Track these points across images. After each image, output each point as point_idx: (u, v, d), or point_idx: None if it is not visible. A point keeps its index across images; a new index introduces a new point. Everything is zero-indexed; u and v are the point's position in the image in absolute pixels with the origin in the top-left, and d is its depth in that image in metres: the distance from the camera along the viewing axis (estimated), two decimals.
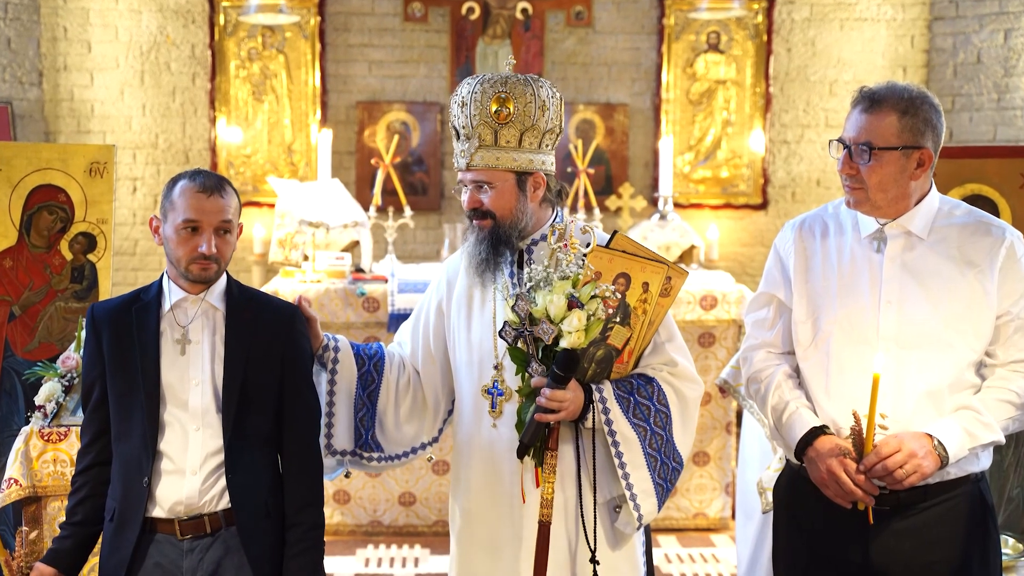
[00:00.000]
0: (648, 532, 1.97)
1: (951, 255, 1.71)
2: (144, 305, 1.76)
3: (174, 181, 1.74)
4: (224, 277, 1.80)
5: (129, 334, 1.74)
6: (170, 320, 1.75)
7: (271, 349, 1.76)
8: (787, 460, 1.87)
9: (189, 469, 1.71)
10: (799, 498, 1.80)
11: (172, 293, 1.76)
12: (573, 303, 1.72)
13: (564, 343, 1.72)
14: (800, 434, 1.74)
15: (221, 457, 1.73)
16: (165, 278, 1.78)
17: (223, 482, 1.72)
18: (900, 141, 1.67)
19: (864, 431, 1.65)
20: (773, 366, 1.82)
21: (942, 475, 1.69)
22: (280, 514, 1.77)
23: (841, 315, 1.74)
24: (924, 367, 1.69)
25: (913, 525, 1.70)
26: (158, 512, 1.71)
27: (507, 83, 1.81)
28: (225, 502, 1.72)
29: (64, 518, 1.80)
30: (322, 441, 1.91)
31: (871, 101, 1.68)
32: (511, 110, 1.79)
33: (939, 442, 1.65)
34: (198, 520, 1.71)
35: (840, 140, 1.72)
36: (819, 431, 1.73)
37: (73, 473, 1.82)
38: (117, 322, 1.75)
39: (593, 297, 1.73)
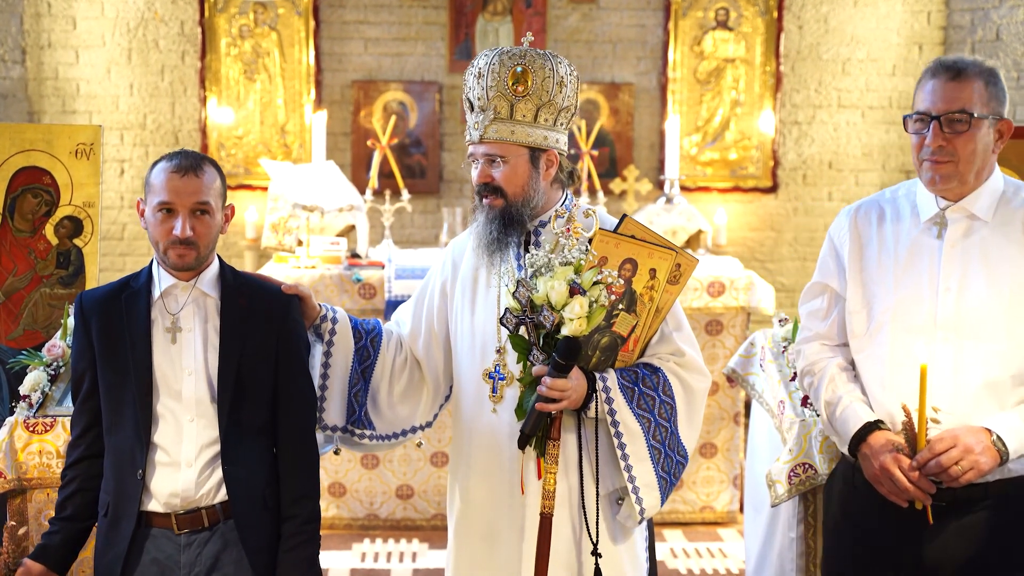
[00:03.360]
0: (651, 526, 1.93)
1: (1016, 238, 1.65)
2: (133, 293, 1.72)
3: (153, 165, 1.71)
4: (216, 262, 1.77)
5: (119, 323, 1.70)
6: (160, 308, 1.72)
7: (267, 337, 1.73)
8: (842, 455, 1.81)
9: (184, 461, 1.68)
10: (855, 494, 1.75)
11: (162, 280, 1.73)
12: (575, 289, 1.68)
13: (566, 331, 1.68)
14: (854, 429, 1.69)
15: (217, 448, 1.70)
16: (154, 264, 1.75)
17: (219, 474, 1.70)
18: (988, 109, 1.63)
19: (916, 425, 1.60)
20: (826, 359, 1.78)
21: (1003, 472, 1.62)
22: (278, 506, 1.75)
23: (897, 304, 1.68)
24: (984, 357, 1.63)
25: (971, 523, 1.64)
26: (153, 506, 1.68)
27: (526, 56, 1.79)
28: (222, 495, 1.70)
29: (51, 512, 1.77)
30: None
31: (955, 70, 1.63)
32: (529, 83, 1.77)
33: (998, 437, 1.58)
34: (195, 514, 1.69)
35: (921, 113, 1.65)
36: (873, 426, 1.68)
37: (63, 466, 1.78)
38: (106, 311, 1.71)
39: (596, 283, 1.69)
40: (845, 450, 1.74)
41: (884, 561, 1.71)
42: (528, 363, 1.75)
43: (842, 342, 1.79)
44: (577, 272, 1.70)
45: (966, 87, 1.61)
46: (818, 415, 2.01)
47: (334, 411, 1.90)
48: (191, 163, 1.67)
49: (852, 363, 1.77)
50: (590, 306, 1.67)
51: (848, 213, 1.80)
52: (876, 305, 1.71)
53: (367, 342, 1.92)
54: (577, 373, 1.71)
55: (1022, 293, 1.62)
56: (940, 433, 1.60)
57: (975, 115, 1.61)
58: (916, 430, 1.60)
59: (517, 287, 1.72)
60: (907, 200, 1.74)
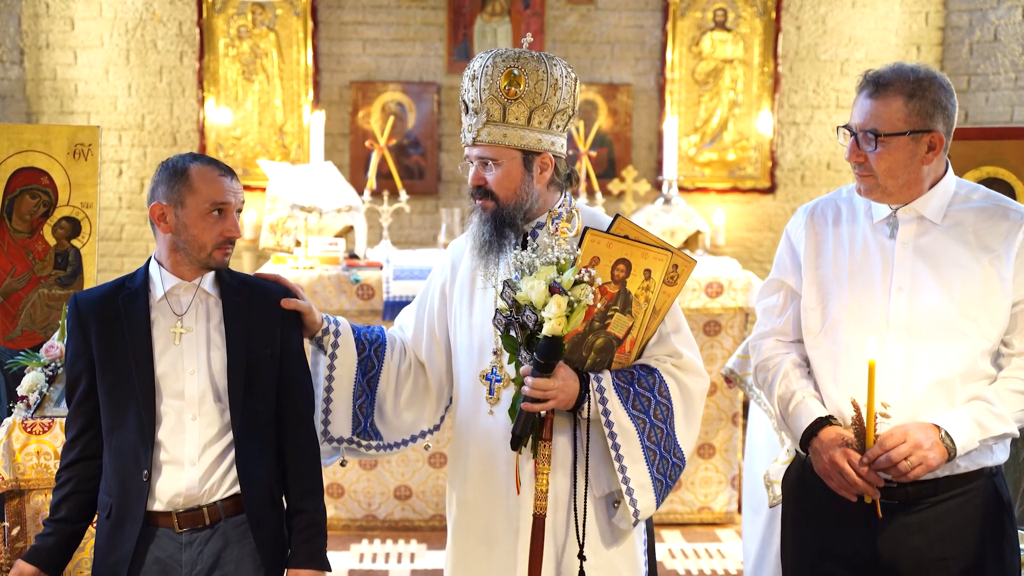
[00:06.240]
0: (651, 529, 1.92)
1: (966, 240, 1.66)
2: (131, 294, 1.72)
3: (182, 167, 1.70)
4: None
5: (118, 324, 1.70)
6: (163, 308, 1.72)
7: (269, 333, 1.75)
8: (796, 451, 1.83)
9: (188, 460, 1.69)
10: (807, 490, 1.78)
11: (164, 281, 1.72)
12: (555, 289, 1.67)
13: (545, 330, 1.67)
14: (806, 424, 1.71)
15: (219, 446, 1.70)
16: (154, 265, 1.75)
17: (221, 471, 1.70)
18: (908, 126, 1.62)
19: (864, 421, 1.62)
20: (781, 355, 1.80)
21: (952, 468, 1.65)
22: (282, 501, 1.76)
23: (851, 302, 1.71)
24: (935, 356, 1.65)
25: (923, 519, 1.67)
26: (157, 506, 1.69)
27: (519, 59, 1.78)
28: (223, 492, 1.70)
29: (48, 514, 1.75)
30: (318, 427, 1.87)
31: (876, 85, 1.64)
32: (521, 86, 1.77)
33: (946, 433, 1.61)
34: (196, 512, 1.69)
35: (847, 127, 1.68)
36: (824, 421, 1.70)
37: (57, 468, 1.78)
38: (104, 312, 1.71)
39: (577, 283, 1.67)
40: (797, 445, 1.76)
41: (838, 556, 1.72)
42: (519, 363, 1.75)
43: (797, 338, 1.81)
44: (560, 271, 1.69)
45: (882, 105, 1.62)
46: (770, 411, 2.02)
47: (341, 423, 1.89)
48: (226, 166, 1.72)
49: (806, 359, 1.79)
50: (570, 305, 1.66)
51: (806, 211, 1.82)
52: (831, 303, 1.72)
53: (371, 352, 1.92)
54: (567, 373, 1.70)
55: (970, 294, 1.64)
56: (890, 429, 1.62)
57: (883, 134, 1.61)
58: (864, 425, 1.62)
59: (504, 288, 1.73)
60: (862, 200, 1.75)
